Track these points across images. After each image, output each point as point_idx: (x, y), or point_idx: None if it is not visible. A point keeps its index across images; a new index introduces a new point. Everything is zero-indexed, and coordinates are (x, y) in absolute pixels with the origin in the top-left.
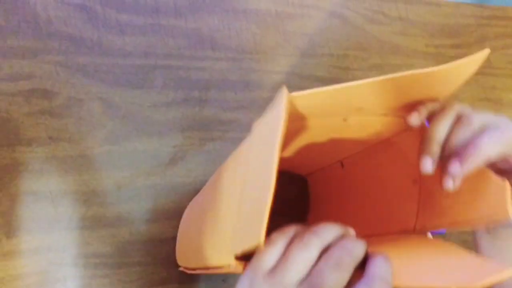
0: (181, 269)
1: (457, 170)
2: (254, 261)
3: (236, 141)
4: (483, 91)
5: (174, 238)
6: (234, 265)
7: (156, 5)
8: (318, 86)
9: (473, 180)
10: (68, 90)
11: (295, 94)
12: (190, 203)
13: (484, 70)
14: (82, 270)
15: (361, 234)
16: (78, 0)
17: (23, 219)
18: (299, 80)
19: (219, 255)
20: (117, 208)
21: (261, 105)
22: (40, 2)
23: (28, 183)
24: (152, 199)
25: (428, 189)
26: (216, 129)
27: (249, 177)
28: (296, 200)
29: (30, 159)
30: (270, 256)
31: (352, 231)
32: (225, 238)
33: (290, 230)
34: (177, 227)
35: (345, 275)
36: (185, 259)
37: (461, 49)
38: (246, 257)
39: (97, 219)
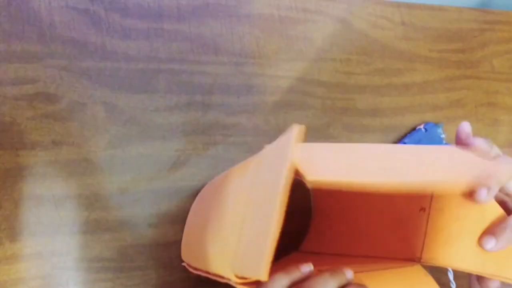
0: (183, 264)
1: (492, 248)
2: None
3: (239, 146)
4: (486, 96)
5: (177, 242)
6: (234, 282)
7: (160, 9)
8: (321, 90)
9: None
10: (71, 94)
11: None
12: (200, 193)
13: (487, 75)
14: (84, 274)
15: (363, 255)
16: (82, 5)
17: (26, 223)
18: (302, 85)
19: (221, 266)
20: (119, 212)
21: (264, 109)
22: (44, 7)
23: (31, 187)
24: (155, 203)
25: (437, 220)
26: (219, 134)
27: (252, 206)
28: (299, 204)
29: (33, 163)
30: None
31: (350, 275)
32: (227, 252)
33: (295, 274)
34: (180, 231)
35: None
36: (189, 256)
37: (464, 54)
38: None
39: (99, 223)
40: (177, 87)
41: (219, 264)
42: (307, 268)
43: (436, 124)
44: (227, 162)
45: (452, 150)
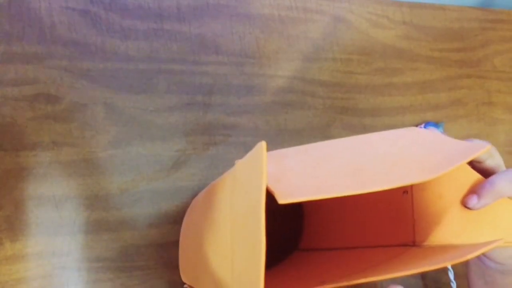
0: (185, 286)
1: (475, 205)
2: None
3: (239, 146)
4: (487, 95)
5: (177, 243)
6: None
7: (160, 10)
8: (322, 90)
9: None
10: (72, 95)
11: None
12: (187, 214)
13: (488, 74)
14: (85, 274)
15: (361, 246)
16: (82, 5)
17: (27, 223)
18: (302, 85)
19: (222, 285)
20: (120, 213)
21: (264, 110)
22: (44, 8)
23: (32, 187)
24: (155, 203)
25: (421, 201)
26: (219, 134)
27: (236, 229)
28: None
29: (34, 163)
30: None
31: None
32: (225, 271)
33: None
34: (180, 231)
35: None
36: (190, 279)
37: (466, 53)
38: None
39: (100, 223)
40: (177, 87)
41: (220, 284)
42: None
43: (437, 124)
44: (227, 162)
45: (418, 133)
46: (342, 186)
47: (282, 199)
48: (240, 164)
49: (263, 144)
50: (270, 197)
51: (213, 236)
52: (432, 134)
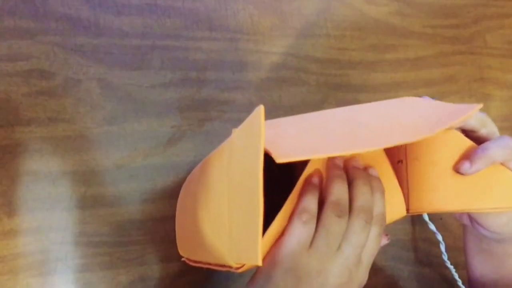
0: (183, 259)
1: (467, 170)
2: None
3: (234, 122)
4: (479, 71)
5: (173, 217)
6: (235, 268)
7: None
8: (315, 66)
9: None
10: (66, 71)
11: (278, 157)
12: (183, 187)
13: (480, 50)
14: (83, 249)
15: None
16: None
17: (23, 198)
18: (297, 61)
19: (219, 255)
20: (116, 188)
21: (259, 86)
22: None
23: (28, 163)
24: (151, 178)
25: (415, 169)
26: (214, 110)
27: (234, 192)
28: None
29: (29, 139)
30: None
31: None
32: (222, 241)
33: (314, 189)
34: (175, 206)
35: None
36: (187, 251)
37: (458, 30)
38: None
39: (96, 198)
40: (172, 63)
41: (217, 254)
42: (316, 179)
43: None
44: (222, 138)
45: (412, 101)
46: (337, 146)
47: (279, 159)
48: (237, 131)
49: (261, 108)
50: (266, 172)
51: (211, 206)
52: (427, 101)
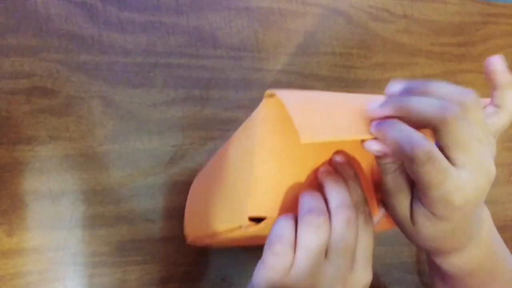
0: (189, 242)
1: (373, 109)
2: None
3: None
4: (488, 91)
5: (174, 238)
6: (246, 226)
7: (158, 2)
8: (320, 85)
9: None
10: (68, 89)
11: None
12: (199, 174)
13: None
14: (81, 269)
15: None
16: None
17: (23, 217)
18: (301, 79)
19: (230, 217)
20: (116, 207)
21: None
22: (40, 0)
23: (28, 181)
24: (152, 198)
25: None
26: (216, 128)
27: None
28: None
29: (30, 157)
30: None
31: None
32: (236, 200)
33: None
34: (177, 226)
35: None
36: (193, 227)
37: (467, 48)
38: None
39: (96, 218)
40: (175, 81)
41: (228, 218)
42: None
43: None
44: None
45: None
46: (358, 130)
47: (305, 138)
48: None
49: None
50: None
51: (228, 166)
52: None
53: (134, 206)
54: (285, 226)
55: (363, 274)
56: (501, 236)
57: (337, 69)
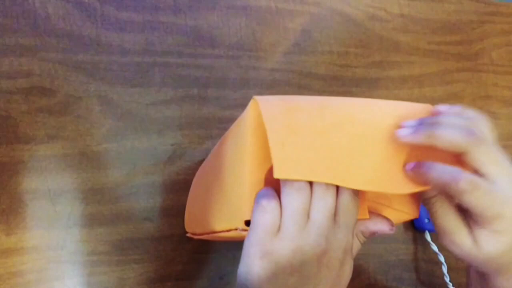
0: (188, 235)
1: (405, 135)
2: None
3: None
4: (484, 89)
5: (172, 236)
6: (242, 229)
7: (156, 2)
8: (318, 84)
9: None
10: (66, 88)
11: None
12: (201, 167)
13: (486, 68)
14: (80, 268)
15: None
16: None
17: (21, 217)
18: (299, 78)
19: (227, 219)
20: (115, 206)
21: None
22: (38, 0)
23: (27, 181)
24: (150, 197)
25: None
26: (215, 127)
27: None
28: None
29: (28, 157)
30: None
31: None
32: (231, 202)
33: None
34: (175, 225)
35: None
36: (193, 224)
37: (463, 46)
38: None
39: (95, 217)
40: (173, 80)
41: (225, 219)
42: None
43: None
44: None
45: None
46: (335, 174)
47: (278, 174)
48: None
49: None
50: None
51: (226, 171)
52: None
53: (133, 205)
54: (269, 190)
55: (345, 236)
56: None
57: (334, 68)
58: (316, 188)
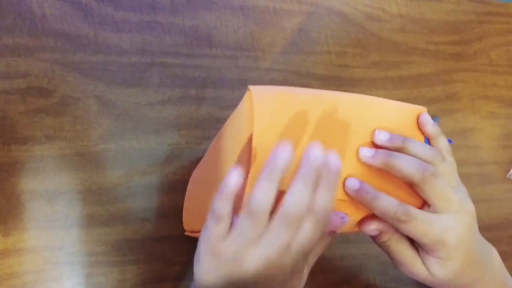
0: (186, 233)
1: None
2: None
3: None
4: (483, 89)
5: (170, 237)
6: None
7: (153, 2)
8: (316, 84)
9: None
10: (64, 89)
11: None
12: (200, 163)
13: (484, 68)
14: (78, 269)
15: None
16: None
17: (19, 217)
18: (297, 78)
19: None
20: (113, 207)
21: None
22: (35, 0)
23: (24, 181)
24: (148, 197)
25: None
26: (213, 127)
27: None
28: None
29: (26, 157)
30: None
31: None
32: None
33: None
34: (173, 225)
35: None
36: (191, 221)
37: (462, 46)
38: None
39: (93, 217)
40: (171, 80)
41: None
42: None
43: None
44: None
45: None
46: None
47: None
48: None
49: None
50: None
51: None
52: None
53: (130, 205)
54: (225, 204)
55: (293, 262)
56: (497, 233)
57: (332, 68)
58: (274, 225)
